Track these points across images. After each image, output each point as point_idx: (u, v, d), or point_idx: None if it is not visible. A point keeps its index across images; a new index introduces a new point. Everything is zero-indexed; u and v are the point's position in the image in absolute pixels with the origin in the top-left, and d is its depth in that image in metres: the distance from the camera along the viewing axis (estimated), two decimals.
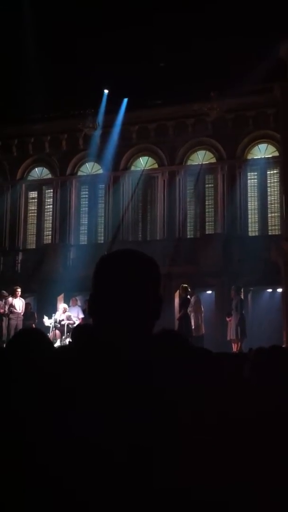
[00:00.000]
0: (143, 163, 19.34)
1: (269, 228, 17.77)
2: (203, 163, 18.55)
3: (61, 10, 13.26)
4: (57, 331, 14.32)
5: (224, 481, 1.05)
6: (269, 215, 17.84)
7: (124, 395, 1.09)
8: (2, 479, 1.02)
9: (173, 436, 1.07)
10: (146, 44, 14.21)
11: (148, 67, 15.45)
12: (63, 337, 13.99)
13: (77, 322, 14.13)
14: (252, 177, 18.18)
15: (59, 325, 14.32)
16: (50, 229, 19.90)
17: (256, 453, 1.15)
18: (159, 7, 13.23)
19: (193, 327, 13.48)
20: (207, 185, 18.62)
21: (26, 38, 14.05)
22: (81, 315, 14.52)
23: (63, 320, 14.35)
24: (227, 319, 14.01)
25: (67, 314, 14.53)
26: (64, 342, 13.56)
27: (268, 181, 18.04)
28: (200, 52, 14.35)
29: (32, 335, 2.56)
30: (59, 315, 14.58)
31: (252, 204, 18.03)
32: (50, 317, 14.65)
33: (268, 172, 18.01)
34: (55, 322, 14.37)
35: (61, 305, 15.35)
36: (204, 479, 1.03)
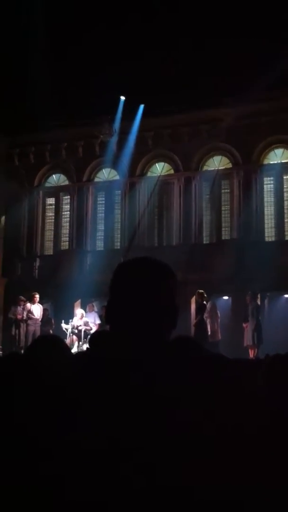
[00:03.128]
0: (159, 169, 19.36)
1: (286, 233, 17.66)
2: (219, 168, 18.51)
3: (77, 17, 13.37)
4: (74, 337, 14.37)
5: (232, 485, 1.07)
6: (286, 220, 17.73)
7: (136, 404, 1.11)
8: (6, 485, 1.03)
9: (185, 445, 1.08)
10: (162, 51, 14.26)
11: (164, 74, 15.49)
12: (80, 343, 14.02)
13: (94, 328, 14.16)
14: (268, 182, 18.10)
15: (76, 331, 14.36)
16: (67, 235, 19.99)
17: (266, 461, 1.17)
18: (172, 14, 13.28)
19: (209, 333, 13.42)
20: (223, 191, 18.57)
21: (43, 46, 14.18)
22: (98, 321, 14.55)
23: (80, 326, 14.39)
24: (244, 325, 13.93)
25: (84, 320, 14.56)
26: (81, 348, 13.59)
27: (285, 186, 17.95)
28: (215, 57, 14.36)
29: (50, 341, 2.60)
30: (76, 321, 14.62)
31: (268, 209, 17.93)
32: (67, 323, 14.70)
33: (284, 177, 17.91)
34: (73, 328, 14.41)
35: (78, 311, 15.39)
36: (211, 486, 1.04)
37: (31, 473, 1.04)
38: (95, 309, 15.22)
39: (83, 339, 14.01)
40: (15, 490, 1.03)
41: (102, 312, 14.63)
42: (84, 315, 14.75)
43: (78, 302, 17.62)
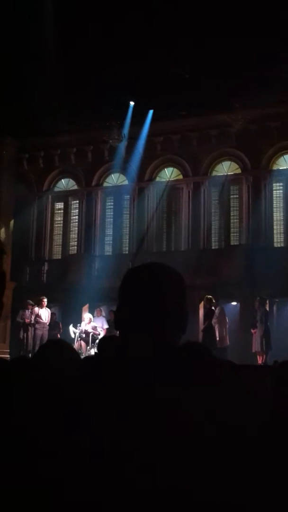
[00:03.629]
0: (168, 174, 19.39)
1: None
2: (228, 173, 18.52)
3: (86, 21, 13.42)
4: (82, 342, 14.38)
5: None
6: None
7: (140, 407, 1.11)
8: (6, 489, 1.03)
9: (187, 447, 1.08)
10: (170, 56, 14.29)
11: (173, 79, 15.51)
12: (88, 347, 14.03)
13: (102, 333, 14.18)
14: (278, 187, 18.07)
15: (84, 336, 14.38)
16: (76, 239, 20.05)
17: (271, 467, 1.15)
18: (181, 18, 13.30)
19: (217, 339, 13.41)
20: (231, 196, 18.56)
21: (51, 50, 14.26)
22: (106, 326, 14.56)
23: (88, 330, 14.41)
24: (252, 331, 13.90)
25: (92, 324, 14.58)
26: (89, 352, 13.60)
27: None
28: (224, 62, 14.36)
29: (58, 346, 2.60)
30: (84, 326, 14.64)
31: (278, 215, 17.89)
32: (76, 327, 14.72)
33: None
34: (80, 332, 14.43)
35: (86, 315, 15.41)
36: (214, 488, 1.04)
37: (32, 473, 1.04)
38: (103, 313, 15.24)
39: (91, 343, 14.02)
40: (16, 491, 1.03)
41: (110, 316, 14.66)
42: (92, 319, 14.78)
43: (86, 307, 17.65)
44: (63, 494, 1.04)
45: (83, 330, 14.42)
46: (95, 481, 1.04)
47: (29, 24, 13.41)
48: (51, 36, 14.15)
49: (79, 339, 14.37)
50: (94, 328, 14.43)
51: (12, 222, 18.62)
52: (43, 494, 1.04)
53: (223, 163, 18.76)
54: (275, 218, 17.83)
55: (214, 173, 18.82)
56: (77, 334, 14.43)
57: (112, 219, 19.84)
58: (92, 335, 14.19)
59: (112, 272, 16.97)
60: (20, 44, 13.49)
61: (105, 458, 1.06)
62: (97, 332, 14.32)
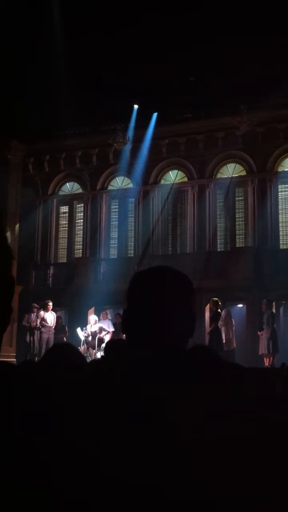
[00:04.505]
0: (173, 176, 19.41)
1: None
2: (233, 176, 18.51)
3: (91, 25, 13.46)
4: (88, 344, 14.37)
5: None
6: None
7: (144, 408, 1.10)
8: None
9: (186, 449, 1.07)
10: (175, 58, 14.30)
11: (178, 81, 15.52)
12: (94, 351, 14.02)
13: (108, 336, 14.18)
14: (283, 189, 18.04)
15: (90, 338, 14.38)
16: (81, 243, 20.08)
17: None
18: (186, 20, 13.30)
19: (224, 341, 13.38)
20: (237, 198, 18.55)
21: (57, 54, 14.31)
22: (112, 329, 14.56)
23: (95, 331, 14.37)
24: (259, 333, 13.87)
25: (98, 325, 14.53)
26: (96, 356, 13.59)
27: None
28: (229, 64, 14.36)
29: (65, 349, 2.59)
30: (90, 328, 14.62)
31: (283, 217, 17.86)
32: (83, 330, 14.71)
33: None
34: (87, 336, 14.43)
35: (92, 317, 15.40)
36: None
37: (32, 477, 1.04)
38: (109, 316, 15.24)
39: (97, 347, 14.00)
40: (13, 492, 1.03)
41: (116, 320, 14.67)
42: (98, 321, 14.76)
43: (91, 310, 17.67)
44: (63, 495, 1.03)
45: (89, 333, 14.43)
46: (95, 483, 1.04)
47: (36, 29, 13.48)
48: (56, 40, 14.22)
49: (84, 343, 14.36)
50: (101, 329, 14.40)
51: (17, 226, 18.67)
52: (43, 494, 1.03)
53: (228, 165, 18.76)
54: (281, 220, 17.80)
55: (219, 176, 18.82)
56: (83, 337, 14.43)
57: (117, 222, 19.87)
58: (98, 338, 14.19)
59: (118, 275, 16.99)
60: (26, 49, 13.54)
61: (110, 463, 1.05)
62: (106, 331, 14.29)
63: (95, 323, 14.63)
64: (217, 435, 1.10)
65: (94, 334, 14.35)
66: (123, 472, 1.05)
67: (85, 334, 14.46)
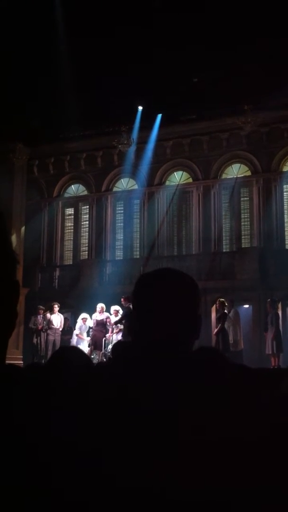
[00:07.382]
0: (178, 178, 19.40)
1: None
2: (238, 176, 18.48)
3: (95, 26, 13.48)
4: (95, 335, 14.15)
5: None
6: None
7: (151, 415, 1.10)
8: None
9: (187, 449, 1.08)
10: (179, 60, 14.30)
11: (182, 82, 15.53)
12: (100, 352, 13.96)
13: (114, 318, 13.88)
14: None
15: (96, 327, 14.10)
16: (87, 245, 20.10)
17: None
18: (190, 21, 13.31)
19: (231, 342, 13.34)
20: (242, 199, 18.52)
21: (60, 56, 14.35)
22: (119, 314, 14.16)
23: (101, 319, 14.08)
24: (265, 333, 13.83)
25: (105, 314, 14.21)
26: (102, 358, 13.55)
27: None
28: (233, 65, 14.36)
29: (72, 353, 2.60)
30: (96, 316, 14.27)
31: None
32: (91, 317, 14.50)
33: None
34: (93, 324, 14.20)
35: (99, 305, 14.56)
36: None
37: (32, 479, 1.04)
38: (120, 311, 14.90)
39: (104, 348, 13.94)
40: (12, 492, 1.03)
41: (124, 302, 14.07)
42: (104, 308, 14.38)
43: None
44: (63, 497, 1.03)
45: (96, 321, 14.14)
46: (95, 484, 1.04)
47: (39, 31, 13.53)
48: (60, 42, 14.26)
49: (90, 345, 14.20)
50: (107, 318, 14.14)
51: (23, 228, 18.71)
52: (43, 495, 1.04)
53: (232, 166, 18.74)
54: (286, 220, 17.76)
55: (224, 176, 18.80)
56: (89, 325, 14.28)
57: (122, 224, 19.88)
58: (106, 323, 13.97)
59: (124, 277, 17.01)
60: (29, 51, 13.59)
61: (111, 463, 1.06)
62: (112, 318, 13.96)
63: (101, 311, 14.25)
64: (222, 437, 1.10)
65: (102, 323, 14.08)
66: (123, 472, 1.05)
67: (91, 323, 14.24)
